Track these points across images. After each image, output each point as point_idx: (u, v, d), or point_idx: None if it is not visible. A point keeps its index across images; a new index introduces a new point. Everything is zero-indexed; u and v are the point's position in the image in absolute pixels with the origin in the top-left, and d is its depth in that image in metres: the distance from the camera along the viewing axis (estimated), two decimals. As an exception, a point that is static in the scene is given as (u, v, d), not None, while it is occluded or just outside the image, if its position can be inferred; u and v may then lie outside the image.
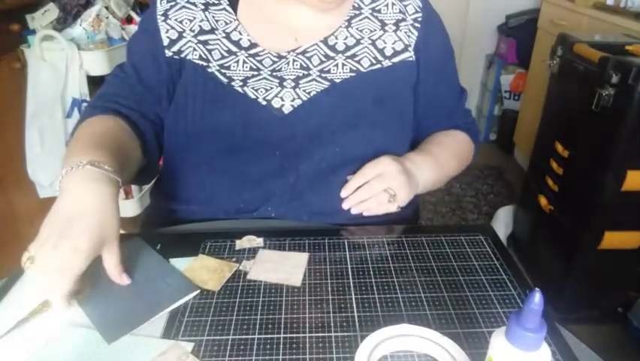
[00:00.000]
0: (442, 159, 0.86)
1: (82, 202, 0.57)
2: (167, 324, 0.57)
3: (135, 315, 0.58)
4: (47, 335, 0.56)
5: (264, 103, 0.77)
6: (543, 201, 1.75)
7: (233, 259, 0.68)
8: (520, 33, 2.78)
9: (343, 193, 0.76)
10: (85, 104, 1.76)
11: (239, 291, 0.63)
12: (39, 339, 0.55)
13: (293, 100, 0.78)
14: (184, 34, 0.79)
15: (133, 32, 1.96)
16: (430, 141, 0.90)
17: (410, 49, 0.82)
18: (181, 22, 0.79)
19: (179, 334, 0.56)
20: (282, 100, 0.78)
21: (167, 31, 0.79)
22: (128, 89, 0.81)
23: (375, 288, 0.64)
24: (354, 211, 0.76)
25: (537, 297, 0.40)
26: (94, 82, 1.81)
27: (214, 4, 0.81)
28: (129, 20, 1.99)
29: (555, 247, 1.71)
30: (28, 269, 0.53)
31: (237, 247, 0.71)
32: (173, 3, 0.80)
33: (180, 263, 0.68)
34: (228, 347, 0.54)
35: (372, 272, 0.67)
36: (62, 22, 1.74)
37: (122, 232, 0.68)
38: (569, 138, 1.63)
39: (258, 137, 0.78)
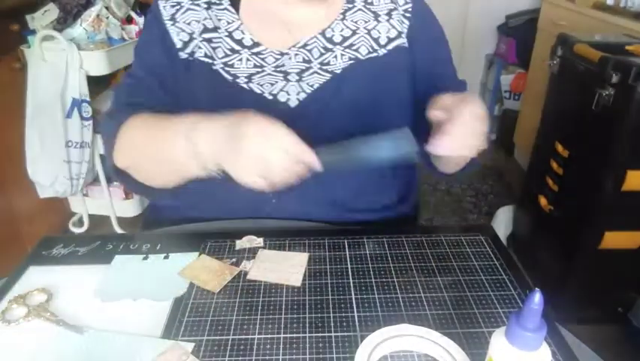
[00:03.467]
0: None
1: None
2: (167, 324, 0.57)
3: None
4: (47, 335, 0.56)
5: (270, 98, 0.78)
6: (543, 201, 1.75)
7: (234, 260, 0.68)
8: (520, 33, 2.78)
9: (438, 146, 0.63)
10: (85, 104, 1.76)
11: (239, 291, 0.63)
12: (39, 339, 0.55)
13: (298, 93, 0.79)
14: (194, 36, 0.80)
15: (133, 33, 1.98)
16: None
17: (403, 35, 0.83)
18: (189, 23, 0.80)
19: (179, 334, 0.56)
20: (288, 94, 0.79)
21: (178, 34, 0.80)
22: (148, 95, 0.82)
23: (375, 288, 0.64)
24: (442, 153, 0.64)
25: (537, 297, 0.40)
26: (94, 82, 1.81)
27: (215, 4, 0.82)
28: (129, 20, 1.99)
29: (555, 247, 1.71)
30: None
31: (237, 247, 0.71)
32: (178, 7, 0.81)
33: (181, 259, 0.68)
34: (228, 347, 0.54)
35: (372, 272, 0.67)
36: (62, 22, 1.74)
37: (122, 231, 0.69)
38: (569, 138, 1.63)
39: None
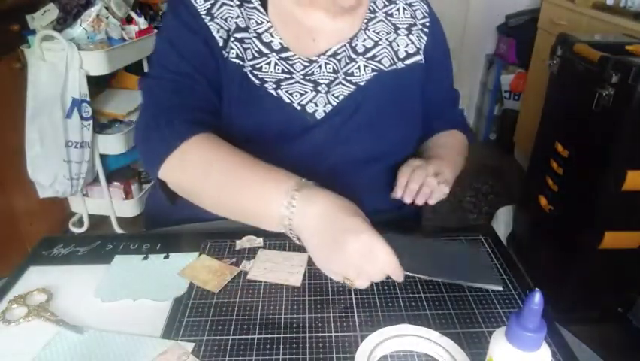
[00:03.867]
0: (452, 159, 0.88)
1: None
2: (167, 324, 0.57)
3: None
4: (47, 335, 0.56)
5: (299, 108, 0.77)
6: (543, 201, 1.75)
7: (234, 260, 0.68)
8: (520, 33, 2.78)
9: (398, 193, 0.76)
10: (85, 104, 1.76)
11: (239, 291, 0.63)
12: (39, 339, 0.55)
13: (325, 105, 0.78)
14: (230, 33, 0.77)
15: (133, 33, 1.97)
16: (436, 144, 0.92)
17: (421, 52, 0.85)
18: (225, 19, 0.77)
19: (179, 334, 0.56)
20: (316, 105, 0.78)
21: (217, 31, 0.76)
22: (196, 95, 0.75)
23: (375, 288, 0.64)
24: (415, 201, 0.76)
25: (537, 297, 0.40)
26: (94, 82, 1.81)
27: (247, 1, 0.78)
28: (129, 20, 1.99)
29: (555, 247, 1.71)
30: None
31: (237, 247, 0.71)
32: (212, 1, 0.77)
33: (181, 259, 0.68)
34: (228, 347, 0.54)
35: (372, 272, 0.67)
36: (62, 22, 1.74)
37: (122, 231, 0.68)
38: (569, 138, 1.63)
39: (288, 141, 0.77)
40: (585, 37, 1.67)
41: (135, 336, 0.55)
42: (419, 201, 0.76)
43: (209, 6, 0.76)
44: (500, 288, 0.64)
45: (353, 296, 0.62)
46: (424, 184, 0.76)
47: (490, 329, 0.57)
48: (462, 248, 0.73)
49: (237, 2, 0.77)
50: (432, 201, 0.76)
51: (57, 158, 1.75)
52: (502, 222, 2.11)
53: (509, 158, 2.89)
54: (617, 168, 1.42)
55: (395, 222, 0.85)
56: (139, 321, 0.58)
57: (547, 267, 1.76)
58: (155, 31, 2.10)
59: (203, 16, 0.76)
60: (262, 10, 0.78)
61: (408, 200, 0.76)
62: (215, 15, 0.76)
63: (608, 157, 1.43)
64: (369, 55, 0.81)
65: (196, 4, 0.76)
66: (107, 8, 1.84)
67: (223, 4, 0.77)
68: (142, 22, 2.02)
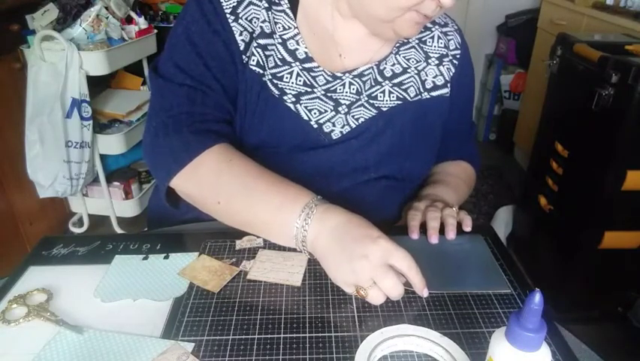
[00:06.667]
0: (458, 186, 0.88)
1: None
2: (167, 324, 0.57)
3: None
4: (47, 335, 0.56)
5: (316, 126, 0.76)
6: (543, 201, 1.75)
7: (234, 260, 0.68)
8: (519, 33, 2.78)
9: (414, 235, 0.73)
10: (85, 104, 1.76)
11: (239, 291, 0.63)
12: (39, 339, 0.55)
13: (343, 126, 0.77)
14: (253, 36, 0.73)
15: (133, 33, 1.97)
16: (444, 171, 0.92)
17: (448, 85, 0.83)
18: (250, 21, 0.72)
19: (179, 334, 0.56)
20: (334, 125, 0.76)
21: (240, 34, 0.72)
22: (213, 104, 0.72)
23: (375, 288, 0.63)
24: (447, 237, 0.73)
25: (537, 297, 0.40)
26: (94, 82, 1.81)
27: (275, 4, 0.74)
28: (129, 20, 1.99)
29: (555, 247, 1.71)
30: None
31: (237, 247, 0.71)
32: None
33: (181, 259, 0.68)
34: (228, 347, 0.54)
35: (372, 272, 0.66)
36: (62, 23, 1.74)
37: (122, 231, 0.67)
38: (569, 138, 1.63)
39: (299, 156, 0.76)
40: (585, 37, 1.68)
41: (135, 336, 0.55)
42: (451, 236, 0.72)
43: (235, 4, 0.72)
44: (508, 290, 0.63)
45: (353, 296, 0.62)
46: (444, 219, 0.73)
47: (490, 329, 0.57)
48: (464, 248, 0.72)
49: (265, 4, 0.73)
50: (468, 228, 0.74)
51: (57, 158, 1.75)
52: (502, 222, 2.12)
53: (509, 158, 2.90)
54: (617, 168, 1.42)
55: (393, 222, 0.85)
56: (139, 321, 0.58)
57: (547, 267, 1.76)
58: (155, 31, 2.10)
59: (228, 16, 0.71)
60: (290, 14, 0.75)
61: (435, 240, 0.71)
62: (241, 15, 0.72)
63: (608, 157, 1.43)
64: (395, 81, 0.79)
65: (224, 2, 0.72)
66: (106, 8, 1.85)
67: (251, 2, 0.73)
68: (142, 22, 2.03)
